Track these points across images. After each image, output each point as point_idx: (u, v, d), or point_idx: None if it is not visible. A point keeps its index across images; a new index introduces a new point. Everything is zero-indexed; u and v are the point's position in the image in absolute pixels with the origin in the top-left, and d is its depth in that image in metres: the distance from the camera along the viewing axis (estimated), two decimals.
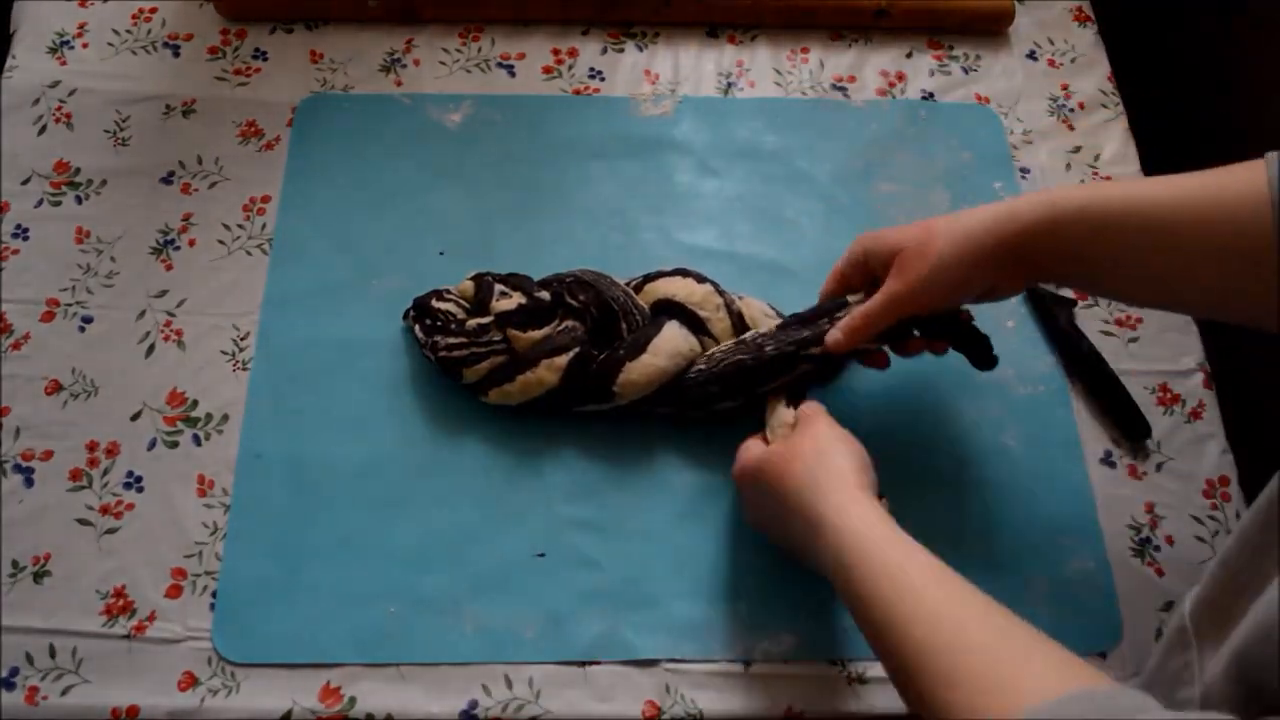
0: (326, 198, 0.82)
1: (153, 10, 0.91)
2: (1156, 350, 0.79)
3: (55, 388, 0.74)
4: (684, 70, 0.91)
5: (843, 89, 0.91)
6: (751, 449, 0.66)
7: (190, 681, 0.65)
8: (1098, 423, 0.76)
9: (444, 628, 0.67)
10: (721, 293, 0.73)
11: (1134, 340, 0.79)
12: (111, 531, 0.69)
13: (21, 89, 0.86)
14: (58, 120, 0.85)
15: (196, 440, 0.73)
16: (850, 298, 0.69)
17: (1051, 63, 0.93)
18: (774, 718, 0.65)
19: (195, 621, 0.67)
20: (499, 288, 0.73)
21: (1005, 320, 0.80)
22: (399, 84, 0.88)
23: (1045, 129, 0.89)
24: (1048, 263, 0.62)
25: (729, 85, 0.90)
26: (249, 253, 0.80)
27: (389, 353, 0.76)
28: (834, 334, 0.67)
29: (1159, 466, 0.75)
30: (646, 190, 0.84)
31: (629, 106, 0.88)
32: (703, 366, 0.70)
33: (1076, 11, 0.96)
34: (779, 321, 0.72)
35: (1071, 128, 0.89)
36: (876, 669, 0.67)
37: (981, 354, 0.70)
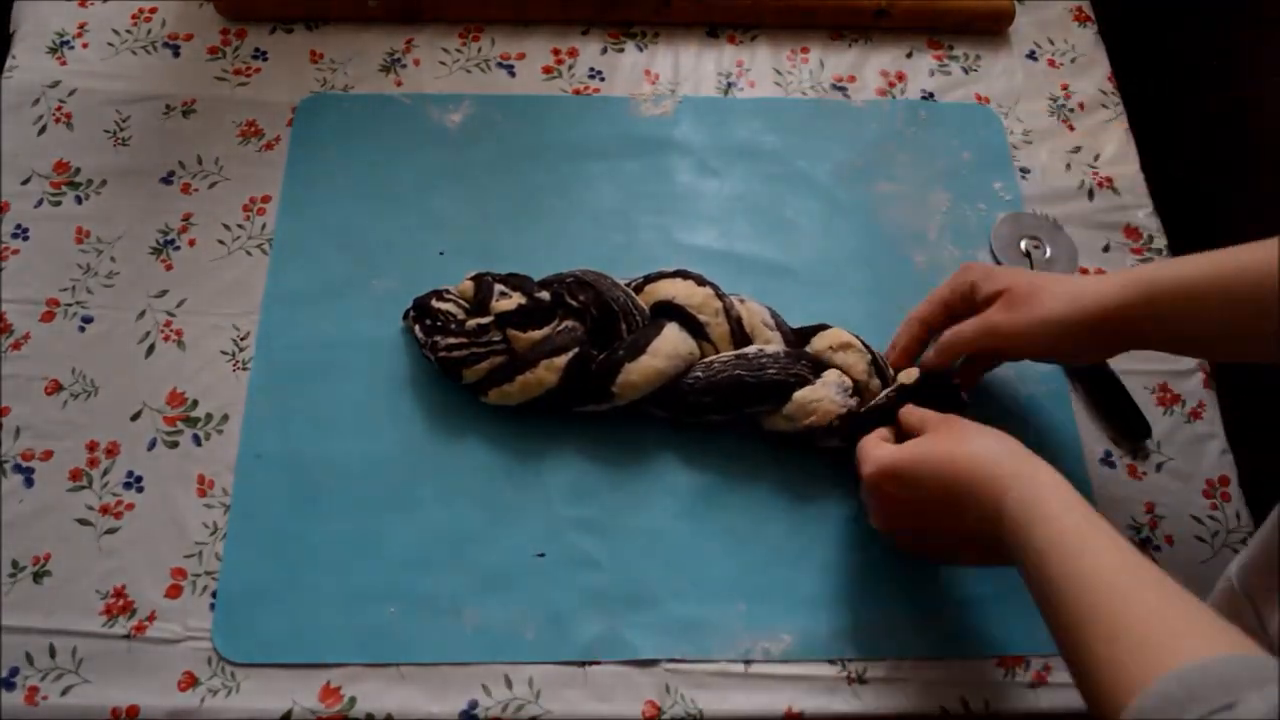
0: (326, 198, 0.82)
1: (153, 10, 0.91)
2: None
3: (55, 388, 0.74)
4: (684, 70, 0.91)
5: (843, 89, 0.91)
6: (884, 447, 0.65)
7: (190, 681, 0.65)
8: (1097, 423, 0.76)
9: (444, 628, 0.67)
10: (721, 296, 0.73)
11: None
12: (111, 531, 0.69)
13: (21, 89, 0.86)
14: (58, 120, 0.85)
15: (196, 440, 0.73)
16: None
17: (1051, 63, 0.93)
18: (774, 718, 0.65)
19: (195, 621, 0.67)
20: (499, 288, 0.73)
21: None
22: (399, 84, 0.88)
23: (1045, 129, 0.89)
24: (1139, 338, 0.65)
25: (729, 85, 0.90)
26: (249, 253, 0.80)
27: (389, 353, 0.76)
28: (928, 355, 0.71)
29: (1159, 466, 0.75)
30: (646, 190, 0.84)
31: (629, 106, 0.88)
32: (700, 374, 0.70)
33: (1076, 11, 0.96)
34: (781, 341, 0.72)
35: (1071, 128, 0.89)
36: (876, 669, 0.67)
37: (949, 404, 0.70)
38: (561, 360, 0.70)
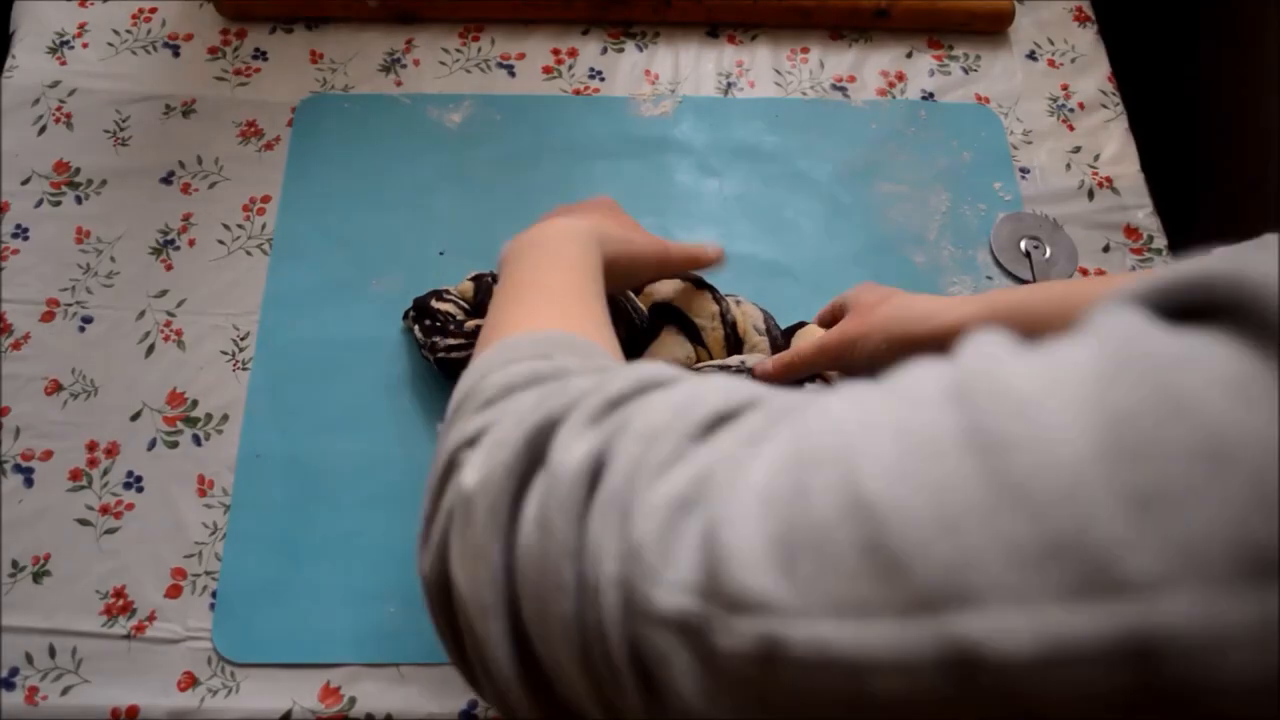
0: (326, 198, 0.82)
1: (153, 10, 0.91)
2: None
3: (55, 388, 0.74)
4: (684, 70, 0.91)
5: (843, 89, 0.91)
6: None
7: (190, 681, 0.65)
8: None
9: None
10: (719, 299, 0.72)
11: None
12: (111, 531, 0.69)
13: (21, 89, 0.86)
14: (58, 120, 0.85)
15: (196, 440, 0.73)
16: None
17: (1051, 63, 0.93)
18: None
19: (195, 621, 0.67)
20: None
21: None
22: (399, 84, 0.88)
23: (1045, 129, 0.89)
24: None
25: (729, 85, 0.90)
26: (249, 253, 0.80)
27: (389, 353, 0.76)
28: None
29: None
30: (646, 190, 0.85)
31: (629, 106, 0.88)
32: None
33: (1076, 11, 0.96)
34: (769, 348, 0.71)
35: (1071, 128, 0.89)
36: None
37: None
38: None
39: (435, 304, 0.73)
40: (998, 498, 0.23)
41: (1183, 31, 1.11)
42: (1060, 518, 0.22)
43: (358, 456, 0.72)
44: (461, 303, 0.74)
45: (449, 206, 0.83)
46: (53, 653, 0.66)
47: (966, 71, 0.92)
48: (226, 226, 0.81)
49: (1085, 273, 0.82)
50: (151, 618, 0.67)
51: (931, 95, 0.90)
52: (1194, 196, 1.02)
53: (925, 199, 0.85)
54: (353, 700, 0.65)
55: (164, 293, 0.78)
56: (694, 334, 0.71)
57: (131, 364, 0.75)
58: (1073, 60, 0.93)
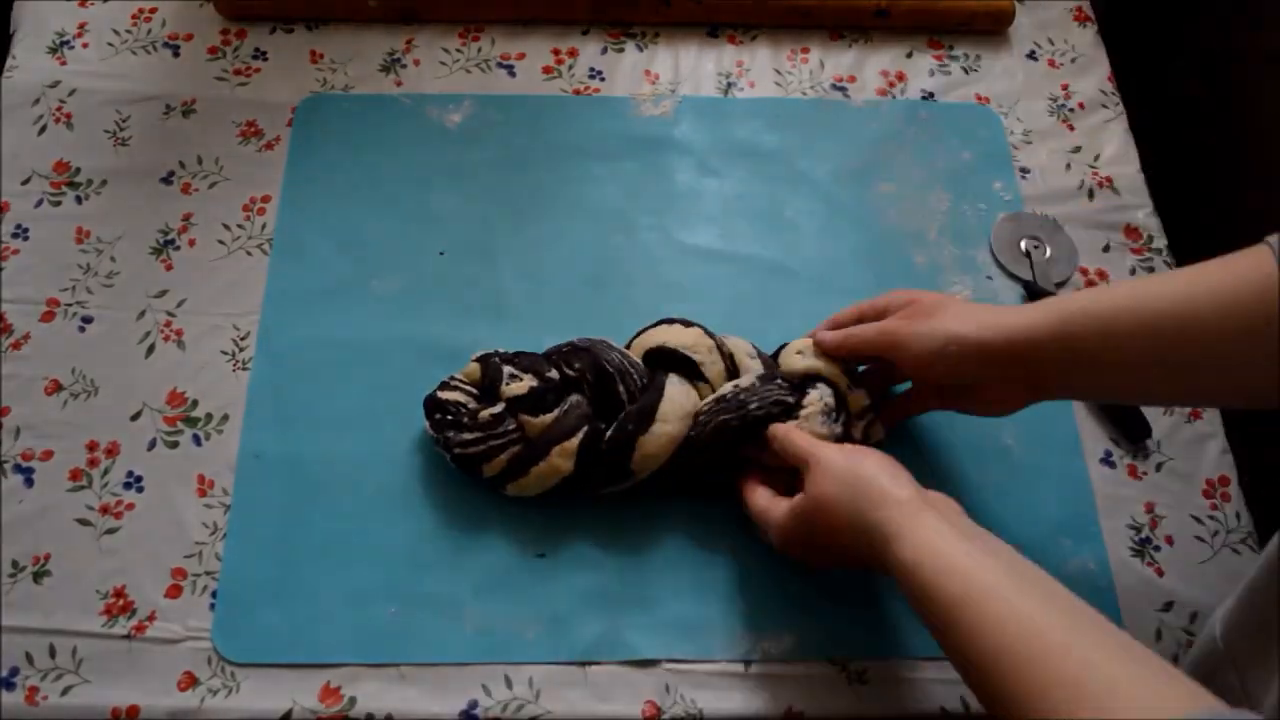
0: (326, 198, 0.82)
1: (153, 10, 0.91)
2: None
3: (55, 388, 0.74)
4: (684, 70, 0.91)
5: (843, 89, 0.91)
6: (771, 509, 0.64)
7: (190, 681, 0.65)
8: (1098, 423, 0.76)
9: (444, 628, 0.67)
10: (711, 334, 0.71)
11: None
12: (111, 531, 0.69)
13: (21, 89, 0.86)
14: (58, 120, 0.85)
15: (196, 440, 0.73)
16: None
17: (1051, 63, 0.93)
18: (774, 718, 0.65)
19: (195, 621, 0.67)
20: (507, 370, 0.69)
21: None
22: (399, 84, 0.88)
23: (1045, 129, 0.89)
24: (1054, 372, 0.61)
25: (729, 85, 0.90)
26: (249, 253, 0.80)
27: (388, 352, 0.76)
28: (825, 334, 0.69)
29: (1159, 466, 0.75)
30: (646, 190, 0.85)
31: (629, 106, 0.88)
32: (693, 434, 0.67)
33: (1076, 11, 0.96)
34: (758, 371, 0.70)
35: (1071, 128, 0.89)
36: (877, 669, 0.67)
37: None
38: (573, 444, 0.67)
39: (443, 395, 0.70)
40: None
41: (1183, 32, 1.11)
42: None
43: (358, 456, 0.72)
44: (470, 388, 0.70)
45: (449, 206, 0.83)
46: (53, 653, 0.66)
47: (966, 71, 0.92)
48: (226, 226, 0.81)
49: (1085, 272, 0.82)
50: (151, 618, 0.67)
51: (931, 95, 0.90)
52: (1194, 196, 1.02)
53: (925, 199, 0.85)
54: (353, 700, 0.65)
55: (164, 293, 0.78)
56: (693, 371, 0.70)
57: (131, 364, 0.75)
58: (1073, 60, 0.93)
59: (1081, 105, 0.90)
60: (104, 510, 0.70)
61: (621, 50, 0.92)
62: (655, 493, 0.70)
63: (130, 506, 0.70)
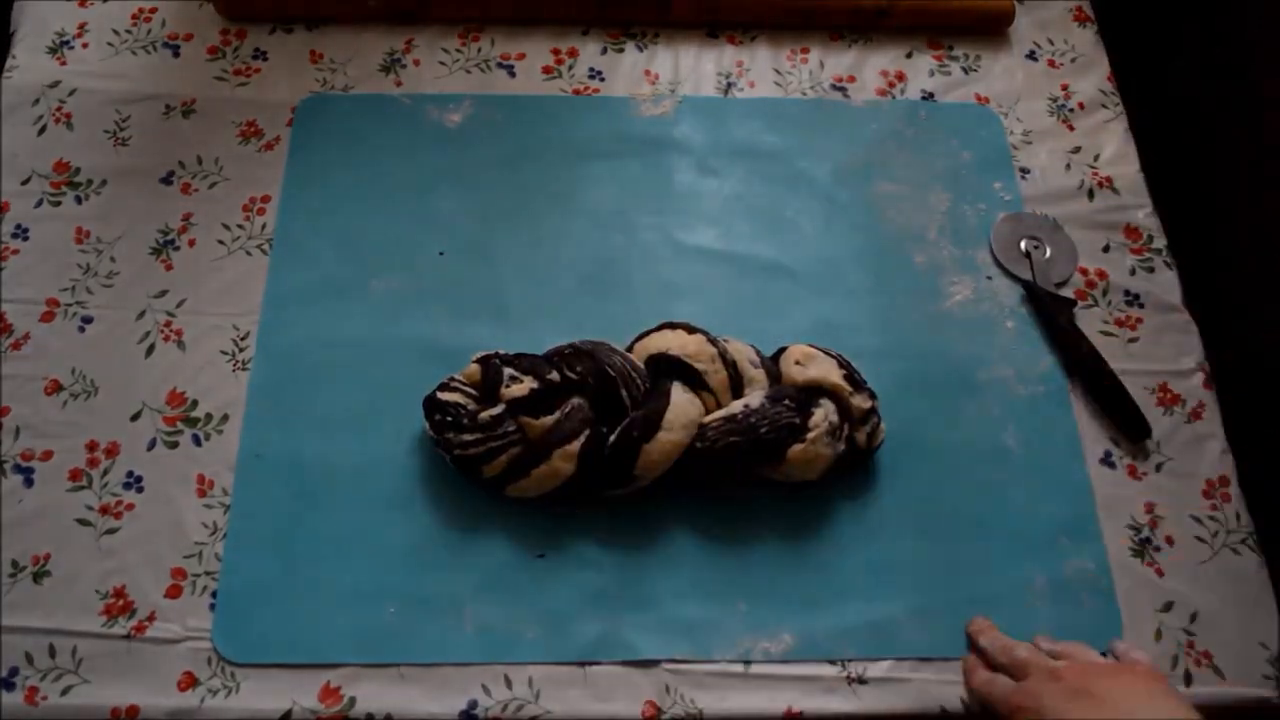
0: (326, 198, 0.82)
1: (153, 10, 0.91)
2: (1156, 350, 0.79)
3: (55, 388, 0.74)
4: (684, 70, 0.91)
5: (843, 89, 0.91)
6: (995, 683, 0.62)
7: (190, 681, 0.65)
8: (1098, 423, 0.76)
9: (444, 628, 0.67)
10: (713, 341, 0.71)
11: (1134, 340, 0.79)
12: (111, 531, 0.69)
13: (21, 89, 0.86)
14: (58, 120, 0.85)
15: (196, 440, 0.73)
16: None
17: (1051, 63, 0.93)
18: (774, 718, 0.65)
19: (195, 621, 0.67)
20: (508, 371, 0.69)
21: (1005, 320, 0.80)
22: (399, 84, 0.88)
23: (1045, 129, 0.89)
24: None
25: (729, 85, 0.90)
26: (249, 253, 0.80)
27: (389, 352, 0.76)
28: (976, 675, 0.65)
29: (1159, 466, 0.75)
30: (646, 190, 0.84)
31: (629, 106, 0.88)
32: (699, 445, 0.68)
33: (1076, 11, 0.96)
34: (765, 378, 0.71)
35: (1071, 128, 0.89)
36: (876, 669, 0.67)
37: None
38: (575, 446, 0.67)
39: (442, 395, 0.70)
40: None
41: (1183, 31, 1.11)
42: None
43: (358, 457, 0.72)
44: (469, 389, 0.70)
45: (449, 206, 0.83)
46: (53, 653, 0.66)
47: (966, 71, 0.92)
48: (226, 226, 0.81)
49: (1085, 272, 0.82)
50: (151, 618, 0.67)
51: (931, 95, 0.90)
52: (1194, 196, 1.02)
53: (925, 199, 0.85)
54: (353, 700, 0.65)
55: (164, 293, 0.78)
56: (697, 380, 0.70)
57: (131, 364, 0.75)
58: (1073, 60, 0.93)
59: (1081, 105, 0.90)
60: (104, 510, 0.70)
61: (621, 50, 0.92)
62: (655, 494, 0.70)
63: (130, 506, 0.70)
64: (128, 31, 0.90)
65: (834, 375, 0.70)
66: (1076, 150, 0.88)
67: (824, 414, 0.69)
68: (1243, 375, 0.85)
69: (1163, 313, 0.81)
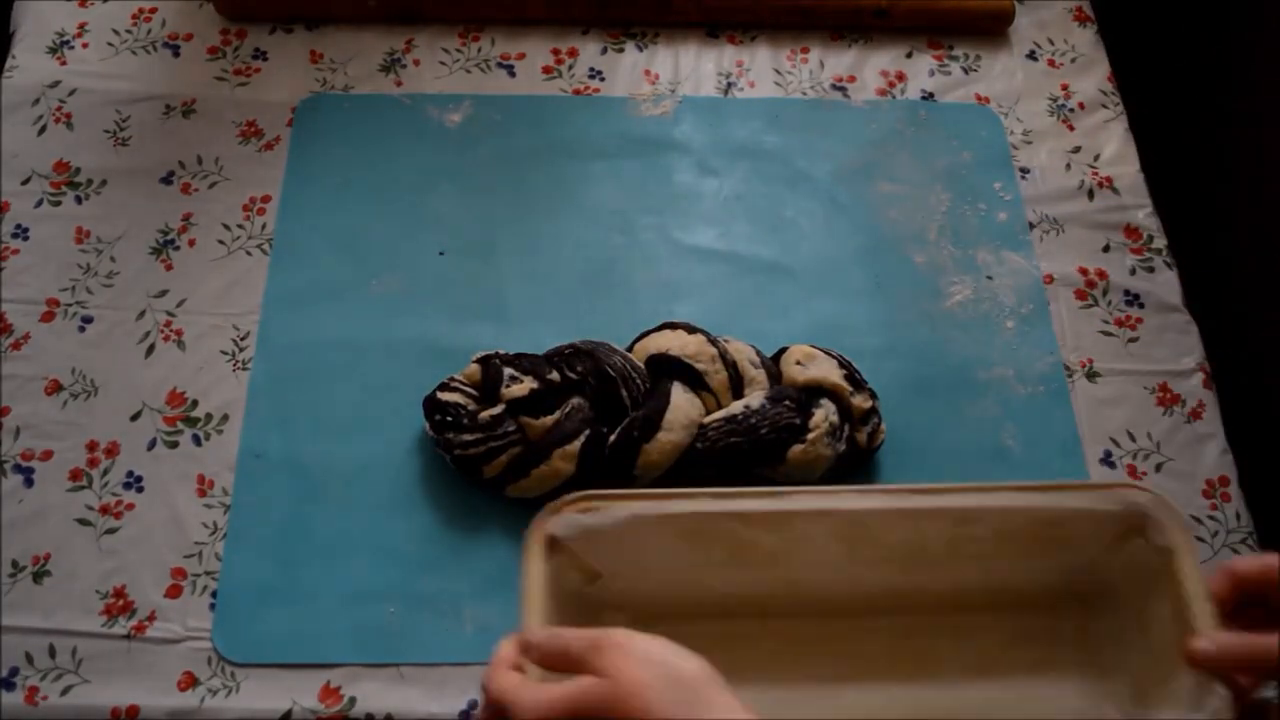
0: (326, 198, 0.82)
1: (153, 10, 0.91)
2: (1156, 350, 0.79)
3: (55, 388, 0.74)
4: (684, 70, 0.91)
5: (843, 89, 0.91)
6: (524, 691, 0.47)
7: (190, 681, 0.65)
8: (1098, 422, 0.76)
9: (444, 628, 0.67)
10: (713, 341, 0.71)
11: (1134, 340, 0.79)
12: (111, 531, 0.69)
13: (21, 89, 0.86)
14: (58, 120, 0.85)
15: (196, 440, 0.73)
16: None
17: (1051, 63, 0.93)
18: None
19: (195, 621, 0.67)
20: (508, 371, 0.69)
21: (1005, 320, 0.80)
22: (399, 84, 0.88)
23: (1045, 129, 0.89)
24: None
25: (729, 85, 0.90)
26: (249, 253, 0.80)
27: (389, 353, 0.76)
28: (1203, 644, 0.52)
29: (1159, 467, 0.75)
30: (646, 190, 0.84)
31: (629, 106, 0.88)
32: (699, 445, 0.68)
33: (1076, 11, 0.96)
34: (766, 379, 0.70)
35: (1071, 128, 0.89)
36: None
37: None
38: (574, 447, 0.67)
39: (442, 395, 0.70)
40: None
41: (1183, 31, 1.11)
42: None
43: (357, 457, 0.72)
44: (469, 389, 0.70)
45: (449, 206, 0.83)
46: (53, 653, 0.66)
47: (966, 71, 0.92)
48: (226, 226, 0.81)
49: (1085, 272, 0.82)
50: (151, 618, 0.67)
51: (931, 95, 0.90)
52: (1194, 196, 1.02)
53: (925, 199, 0.85)
54: (353, 700, 0.65)
55: (164, 293, 0.78)
56: (696, 380, 0.70)
57: (131, 364, 0.75)
58: (1073, 60, 0.93)
59: (1081, 105, 0.90)
60: (104, 510, 0.70)
61: (621, 50, 0.92)
62: None
63: (130, 506, 0.70)
64: (128, 31, 0.90)
65: (834, 375, 0.70)
66: (1076, 150, 0.88)
67: (824, 414, 0.69)
68: (1243, 375, 0.85)
69: (1163, 313, 0.81)
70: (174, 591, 0.68)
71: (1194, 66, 1.10)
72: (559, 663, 0.48)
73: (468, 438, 0.68)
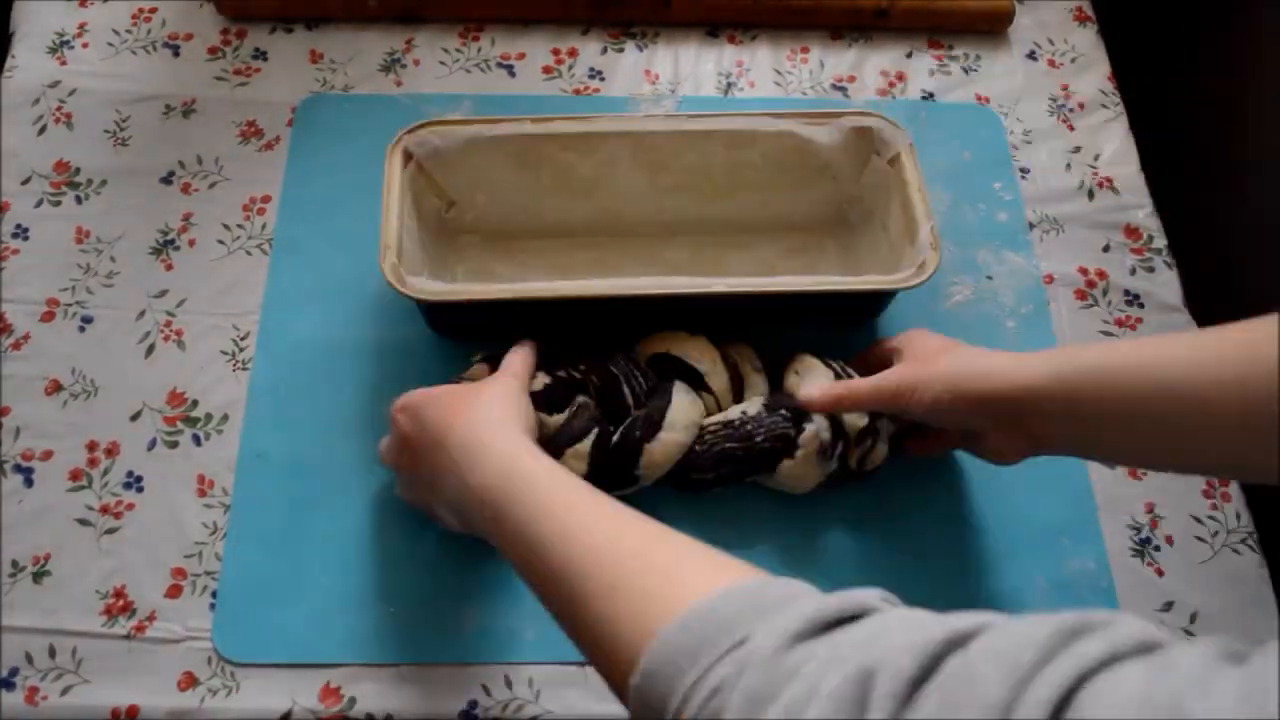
0: (326, 198, 0.82)
1: (153, 10, 0.91)
2: None
3: (55, 388, 0.74)
4: (684, 70, 0.91)
5: (843, 89, 0.91)
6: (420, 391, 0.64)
7: (190, 681, 0.65)
8: None
9: (444, 628, 0.67)
10: (716, 343, 0.71)
11: None
12: (111, 531, 0.69)
13: (21, 89, 0.86)
14: (58, 120, 0.85)
15: (196, 440, 0.73)
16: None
17: (1051, 63, 0.93)
18: None
19: (195, 621, 0.67)
20: None
21: (1005, 320, 0.80)
22: (399, 84, 0.88)
23: (1045, 129, 0.89)
24: (1054, 428, 0.59)
25: (729, 85, 0.90)
26: (249, 253, 0.80)
27: (389, 353, 0.76)
28: (811, 394, 0.67)
29: None
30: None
31: (629, 106, 0.88)
32: (698, 449, 0.68)
33: (1076, 11, 0.96)
34: (765, 383, 0.71)
35: (1071, 128, 0.89)
36: None
37: None
38: (585, 446, 0.67)
39: None
40: None
41: (1183, 31, 1.11)
42: None
43: (358, 457, 0.72)
44: None
45: None
46: (53, 653, 0.66)
47: (966, 71, 0.92)
48: (226, 226, 0.81)
49: (1084, 272, 0.82)
50: (151, 618, 0.67)
51: (931, 95, 0.90)
52: (1194, 196, 1.02)
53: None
54: (353, 700, 0.65)
55: (164, 293, 0.78)
56: (697, 380, 0.70)
57: (131, 364, 0.75)
58: (1073, 60, 0.93)
59: (1081, 105, 0.90)
60: (104, 510, 0.70)
61: (621, 50, 0.92)
62: (654, 494, 0.70)
63: (130, 506, 0.70)
64: (128, 31, 0.90)
65: (828, 383, 0.69)
66: (1076, 150, 0.88)
67: (815, 431, 0.68)
68: None
69: (1163, 313, 0.81)
70: (174, 591, 0.68)
71: (1194, 66, 1.10)
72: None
73: None
